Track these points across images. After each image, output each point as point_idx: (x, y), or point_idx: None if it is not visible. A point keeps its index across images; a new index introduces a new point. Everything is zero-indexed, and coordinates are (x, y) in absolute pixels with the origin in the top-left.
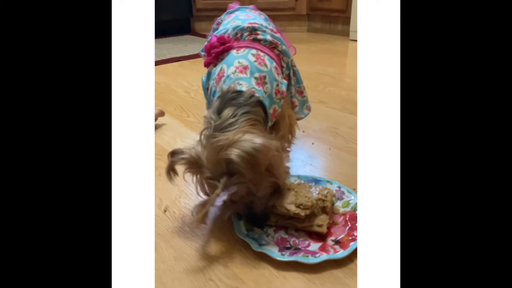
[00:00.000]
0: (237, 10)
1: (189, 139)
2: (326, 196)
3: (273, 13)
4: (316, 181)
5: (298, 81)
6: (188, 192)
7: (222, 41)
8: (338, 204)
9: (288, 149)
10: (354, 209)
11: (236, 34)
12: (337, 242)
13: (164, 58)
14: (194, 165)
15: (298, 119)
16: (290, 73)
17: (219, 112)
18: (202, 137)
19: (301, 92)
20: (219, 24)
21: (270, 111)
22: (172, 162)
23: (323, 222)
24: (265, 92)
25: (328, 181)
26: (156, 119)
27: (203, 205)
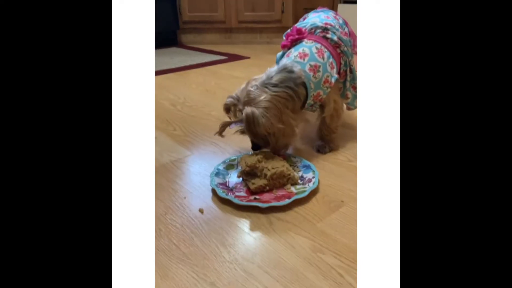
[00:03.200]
0: (322, 11)
1: (175, 153)
2: (285, 177)
3: (260, 26)
4: (307, 167)
5: (354, 78)
6: (175, 208)
7: (299, 32)
8: (297, 186)
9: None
10: (298, 193)
11: (311, 29)
12: (256, 198)
13: None
14: (234, 101)
15: (349, 109)
16: (347, 70)
17: (271, 75)
18: (248, 83)
19: (355, 88)
20: (304, 18)
21: (314, 93)
22: (226, 103)
23: (256, 183)
24: (315, 78)
25: (313, 170)
26: None
27: (224, 124)
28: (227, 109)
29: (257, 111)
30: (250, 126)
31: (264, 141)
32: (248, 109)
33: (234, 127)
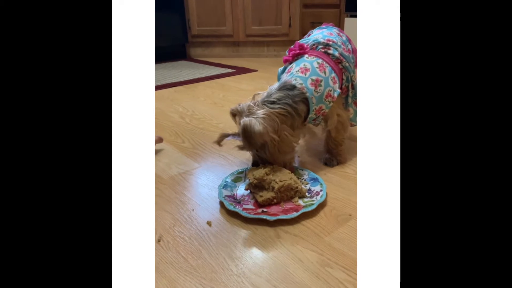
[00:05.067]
0: (326, 28)
1: (184, 165)
2: (292, 189)
3: (267, 39)
4: (314, 180)
5: (356, 94)
6: (183, 220)
7: (301, 47)
8: (305, 199)
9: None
10: (305, 206)
11: (314, 45)
12: (263, 211)
13: (159, 84)
14: (238, 112)
15: (352, 125)
16: (349, 85)
17: (271, 93)
18: (252, 100)
19: (356, 104)
20: (309, 35)
21: (316, 107)
22: (232, 110)
23: (264, 196)
24: (317, 92)
25: (321, 183)
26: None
27: (222, 135)
28: (233, 114)
29: (254, 120)
30: (246, 135)
31: (261, 156)
32: (245, 119)
33: (231, 139)
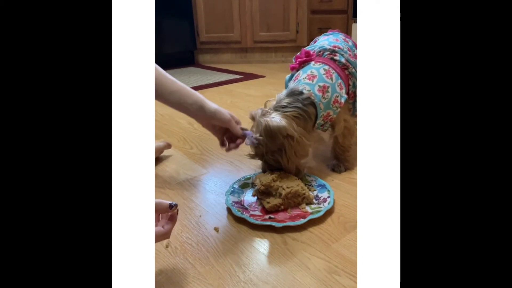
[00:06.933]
0: (331, 34)
1: (191, 171)
2: (300, 196)
3: (275, 45)
4: (322, 186)
5: None
6: (190, 226)
7: (307, 54)
8: (312, 206)
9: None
10: (313, 213)
11: (320, 51)
12: (271, 218)
13: None
14: (253, 119)
15: None
16: (356, 91)
17: (280, 99)
18: (265, 107)
19: None
20: (315, 42)
21: (323, 113)
22: (250, 113)
23: (271, 202)
24: (324, 98)
25: (328, 190)
26: (162, 152)
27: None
28: (252, 118)
29: (277, 117)
30: (268, 132)
31: (276, 159)
32: (266, 119)
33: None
